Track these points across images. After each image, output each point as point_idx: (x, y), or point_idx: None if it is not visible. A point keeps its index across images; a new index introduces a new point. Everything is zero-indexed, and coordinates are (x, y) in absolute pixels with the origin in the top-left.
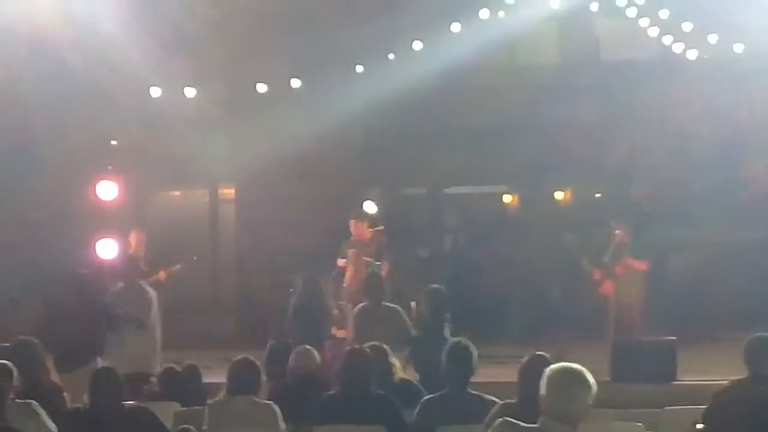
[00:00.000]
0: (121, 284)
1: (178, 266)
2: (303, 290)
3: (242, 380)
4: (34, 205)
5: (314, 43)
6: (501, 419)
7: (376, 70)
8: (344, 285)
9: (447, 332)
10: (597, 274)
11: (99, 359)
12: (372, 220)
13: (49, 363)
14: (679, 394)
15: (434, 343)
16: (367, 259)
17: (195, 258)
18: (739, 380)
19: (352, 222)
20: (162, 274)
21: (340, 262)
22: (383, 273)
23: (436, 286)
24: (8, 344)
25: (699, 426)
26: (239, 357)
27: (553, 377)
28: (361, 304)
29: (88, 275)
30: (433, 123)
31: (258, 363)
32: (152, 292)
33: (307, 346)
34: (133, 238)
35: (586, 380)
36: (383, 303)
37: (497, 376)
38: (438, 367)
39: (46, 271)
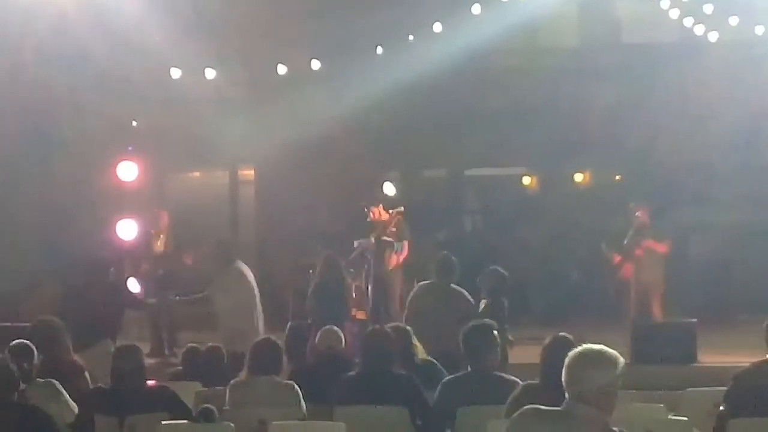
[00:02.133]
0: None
1: (199, 250)
2: (322, 270)
3: (264, 361)
4: (55, 186)
5: (334, 24)
6: (526, 407)
7: (396, 51)
8: (365, 266)
9: (506, 311)
10: (617, 259)
11: (109, 340)
12: (391, 202)
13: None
14: (699, 376)
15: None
16: (387, 239)
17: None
18: (759, 362)
19: (371, 210)
20: (187, 259)
21: (359, 243)
22: (404, 254)
23: (495, 267)
24: (29, 324)
25: (721, 407)
26: (261, 337)
27: (570, 359)
28: (425, 282)
29: (108, 258)
30: (453, 105)
31: (279, 343)
32: None
33: (334, 327)
34: (153, 218)
35: (604, 361)
36: (451, 285)
37: (517, 358)
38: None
39: (67, 253)
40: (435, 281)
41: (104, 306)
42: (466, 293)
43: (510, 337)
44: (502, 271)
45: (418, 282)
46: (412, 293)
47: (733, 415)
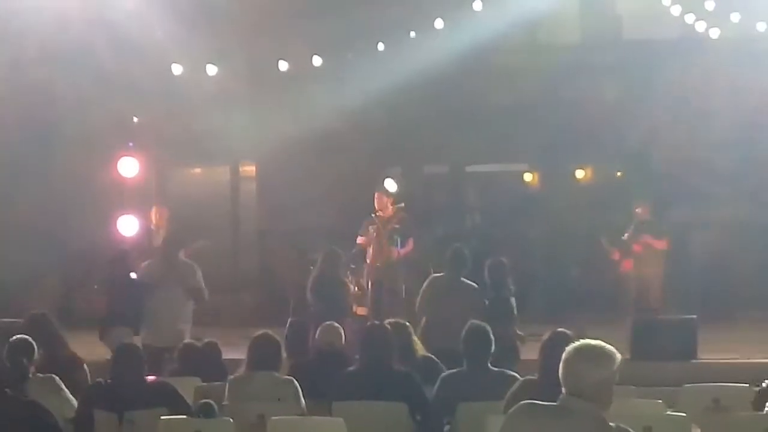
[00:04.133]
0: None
1: (202, 242)
2: (322, 265)
3: (263, 356)
4: (56, 182)
5: (336, 20)
6: (523, 402)
7: (397, 48)
8: (367, 262)
9: (513, 305)
10: (616, 255)
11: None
12: (393, 198)
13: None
14: (699, 372)
15: (502, 317)
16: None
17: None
18: None
19: (376, 194)
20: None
21: (360, 239)
22: (407, 250)
23: (499, 258)
24: (22, 320)
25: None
26: (260, 333)
27: (567, 354)
28: (438, 275)
29: (129, 250)
30: (454, 101)
31: (278, 339)
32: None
33: (335, 323)
34: (154, 214)
35: (600, 356)
36: (462, 279)
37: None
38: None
39: (68, 248)
40: (446, 274)
41: (127, 296)
42: (476, 287)
43: (519, 332)
44: (504, 260)
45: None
46: (424, 286)
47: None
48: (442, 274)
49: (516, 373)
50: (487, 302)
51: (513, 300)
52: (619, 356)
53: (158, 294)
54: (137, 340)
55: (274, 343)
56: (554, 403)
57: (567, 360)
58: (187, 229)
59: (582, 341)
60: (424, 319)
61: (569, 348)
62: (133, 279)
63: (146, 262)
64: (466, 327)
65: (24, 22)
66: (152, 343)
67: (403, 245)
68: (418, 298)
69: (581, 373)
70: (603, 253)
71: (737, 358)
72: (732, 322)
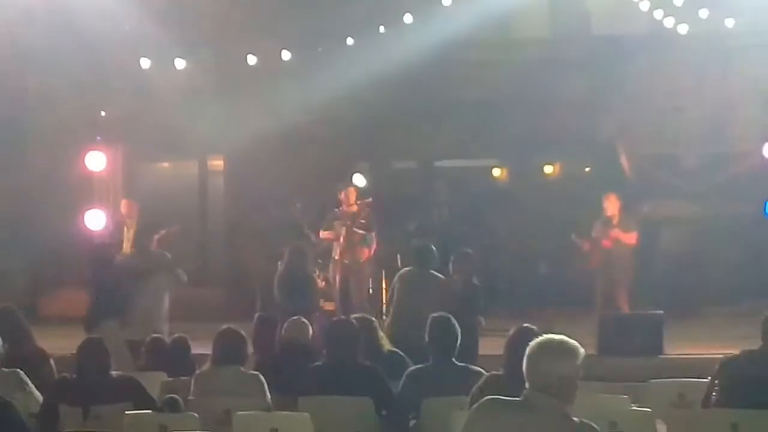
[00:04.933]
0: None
1: (172, 228)
2: (288, 261)
3: (228, 351)
4: (24, 177)
5: (305, 15)
6: (486, 398)
7: (366, 42)
8: (334, 257)
9: (480, 296)
10: (586, 245)
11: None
12: (361, 193)
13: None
14: (665, 368)
15: (468, 308)
16: (358, 231)
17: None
18: (748, 351)
19: (342, 192)
20: (155, 241)
21: (324, 234)
22: (372, 242)
23: (466, 250)
24: None
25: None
26: (224, 327)
27: (530, 349)
28: (407, 269)
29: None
30: (423, 96)
31: (244, 334)
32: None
33: (302, 318)
34: (124, 207)
35: (563, 351)
36: (430, 271)
37: (485, 349)
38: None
39: (35, 242)
40: (414, 269)
41: (112, 288)
42: (445, 278)
43: (483, 322)
44: (471, 252)
45: (396, 270)
46: (393, 280)
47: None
48: (410, 268)
49: (478, 366)
50: (454, 293)
51: (479, 291)
52: (582, 351)
53: (135, 288)
54: (125, 332)
55: (238, 337)
56: (518, 399)
57: (530, 355)
58: (156, 222)
59: (545, 336)
60: (391, 312)
61: (533, 343)
62: (116, 270)
63: (119, 257)
64: (430, 320)
65: None
66: (131, 336)
67: (370, 245)
68: (388, 292)
69: (545, 368)
70: (571, 249)
71: (703, 354)
72: (699, 317)
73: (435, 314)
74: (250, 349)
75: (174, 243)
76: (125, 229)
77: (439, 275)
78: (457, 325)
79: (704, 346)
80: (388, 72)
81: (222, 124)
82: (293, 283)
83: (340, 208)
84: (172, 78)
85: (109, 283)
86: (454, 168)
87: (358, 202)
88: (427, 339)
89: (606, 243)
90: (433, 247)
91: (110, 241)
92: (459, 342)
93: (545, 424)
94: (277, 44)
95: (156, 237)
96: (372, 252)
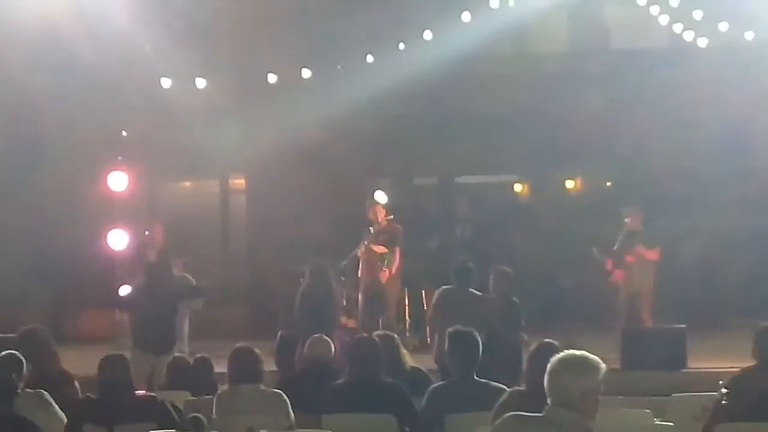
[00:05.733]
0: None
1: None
2: (309, 278)
3: (242, 369)
4: (45, 197)
5: (325, 32)
6: (508, 414)
7: (386, 59)
8: (358, 275)
9: (521, 317)
10: (608, 264)
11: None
12: (386, 210)
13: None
14: (689, 382)
15: (511, 329)
16: (378, 249)
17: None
18: (748, 367)
19: (370, 209)
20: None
21: (359, 252)
22: (396, 263)
23: (504, 268)
24: (15, 334)
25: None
26: (237, 346)
27: (551, 364)
28: (446, 287)
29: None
30: (443, 112)
31: (257, 351)
32: None
33: (324, 336)
34: (150, 228)
35: (584, 366)
36: (469, 289)
37: None
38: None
39: (58, 263)
40: (455, 286)
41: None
42: (485, 297)
43: (525, 337)
44: (509, 270)
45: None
46: (435, 298)
47: (722, 420)
48: (451, 286)
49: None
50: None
51: (519, 307)
52: (603, 366)
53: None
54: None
55: (252, 355)
56: (540, 414)
57: (552, 371)
58: (177, 244)
59: (567, 352)
60: (437, 335)
61: (554, 359)
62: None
63: (140, 279)
64: (450, 335)
65: (11, 37)
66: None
67: (390, 265)
68: (430, 310)
69: (566, 383)
70: (593, 263)
71: (727, 367)
72: (721, 330)
73: (455, 329)
74: (268, 366)
75: (191, 268)
76: (149, 249)
77: (479, 293)
78: (479, 340)
79: (727, 360)
80: (408, 88)
81: (243, 143)
82: (315, 301)
83: (372, 227)
84: (193, 97)
85: (162, 305)
86: (475, 184)
87: (385, 218)
88: (448, 355)
89: (629, 258)
90: (471, 265)
91: (163, 261)
92: (480, 357)
93: None
94: (297, 62)
95: (182, 261)
96: (394, 271)
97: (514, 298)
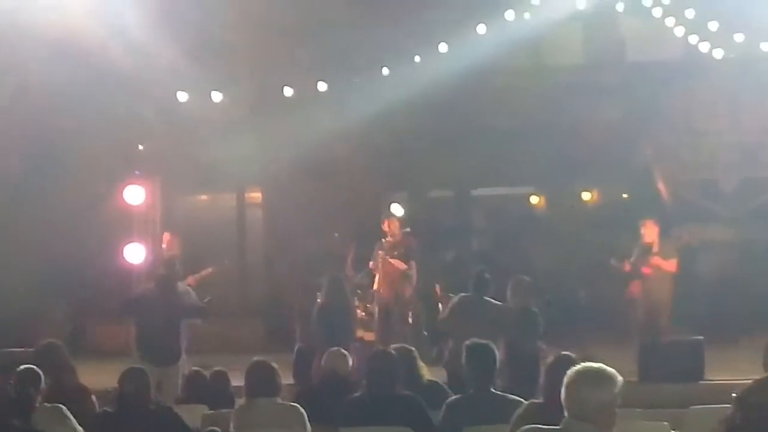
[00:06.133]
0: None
1: (209, 269)
2: (327, 291)
3: (258, 383)
4: (62, 211)
5: (340, 46)
6: (525, 427)
7: (402, 72)
8: (374, 288)
9: (540, 327)
10: (627, 267)
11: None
12: (401, 223)
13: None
14: (707, 394)
15: (529, 338)
16: (398, 264)
17: (226, 261)
18: (761, 379)
19: (385, 222)
20: (191, 280)
21: (372, 264)
22: (413, 275)
23: (523, 277)
24: (33, 349)
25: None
26: (254, 360)
27: (568, 377)
28: (463, 295)
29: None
30: (459, 125)
31: (274, 365)
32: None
33: (341, 349)
34: (166, 241)
35: (601, 379)
36: (485, 297)
37: None
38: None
39: (75, 277)
40: (472, 295)
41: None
42: (500, 305)
43: (544, 347)
44: (527, 279)
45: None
46: (451, 303)
47: None
48: (469, 294)
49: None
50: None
51: (537, 317)
52: (620, 379)
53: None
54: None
55: (268, 369)
56: (557, 427)
57: (568, 384)
58: (193, 257)
59: (583, 364)
60: (450, 341)
61: (570, 371)
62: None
63: (144, 290)
64: (468, 347)
65: (28, 51)
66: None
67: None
68: (445, 312)
69: (583, 396)
70: (610, 275)
71: (745, 379)
72: (739, 342)
73: (472, 342)
74: (285, 380)
75: (212, 281)
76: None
77: (496, 302)
78: (496, 353)
79: (745, 372)
80: (424, 101)
81: (259, 156)
82: (332, 314)
83: (386, 239)
84: (210, 111)
85: (166, 317)
86: (491, 196)
87: (400, 232)
88: (465, 367)
89: (646, 270)
90: (488, 276)
91: (171, 274)
92: (497, 368)
93: None
94: (313, 76)
95: (194, 277)
96: (414, 283)
97: (533, 308)
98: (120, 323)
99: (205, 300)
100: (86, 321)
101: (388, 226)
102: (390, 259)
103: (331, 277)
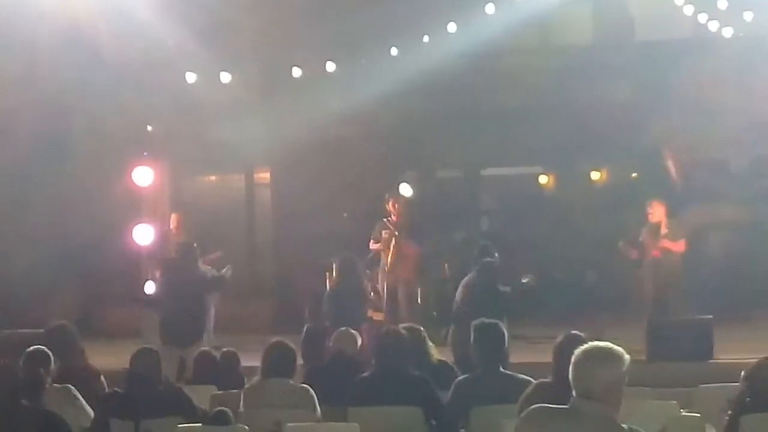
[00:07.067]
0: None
1: (218, 253)
2: (338, 272)
3: (277, 363)
4: (71, 193)
5: (349, 26)
6: (534, 406)
7: (411, 52)
8: (383, 267)
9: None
10: (634, 254)
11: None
12: (408, 203)
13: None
14: (715, 373)
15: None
16: (409, 242)
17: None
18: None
19: (390, 201)
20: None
21: (374, 245)
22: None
23: (489, 260)
24: (43, 330)
25: (728, 412)
26: (274, 340)
27: (576, 356)
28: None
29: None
30: (468, 104)
31: (293, 347)
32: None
33: (350, 329)
34: (173, 222)
35: (608, 357)
36: (497, 286)
37: (533, 357)
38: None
39: (84, 258)
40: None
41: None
42: (509, 291)
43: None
44: (492, 260)
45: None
46: (463, 285)
47: (746, 411)
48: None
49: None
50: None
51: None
52: (627, 357)
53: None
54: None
55: (289, 350)
56: (565, 406)
57: (576, 362)
58: (202, 238)
59: (591, 343)
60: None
61: (578, 351)
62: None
63: (161, 275)
64: (476, 327)
65: (35, 34)
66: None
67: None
68: (458, 296)
69: (590, 375)
70: (619, 255)
71: (754, 358)
72: (748, 321)
73: (480, 322)
74: (300, 362)
75: (220, 264)
76: (172, 241)
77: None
78: (504, 332)
79: (754, 350)
80: (433, 81)
81: (268, 137)
82: (344, 294)
83: (389, 219)
84: (218, 92)
85: (186, 298)
86: (499, 176)
87: (399, 207)
88: (473, 347)
89: (655, 253)
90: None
91: (181, 255)
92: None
93: (593, 431)
94: (322, 56)
95: (205, 258)
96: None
97: (499, 287)
98: (129, 304)
99: (225, 270)
100: (95, 302)
101: (393, 206)
102: (399, 238)
103: (343, 257)
